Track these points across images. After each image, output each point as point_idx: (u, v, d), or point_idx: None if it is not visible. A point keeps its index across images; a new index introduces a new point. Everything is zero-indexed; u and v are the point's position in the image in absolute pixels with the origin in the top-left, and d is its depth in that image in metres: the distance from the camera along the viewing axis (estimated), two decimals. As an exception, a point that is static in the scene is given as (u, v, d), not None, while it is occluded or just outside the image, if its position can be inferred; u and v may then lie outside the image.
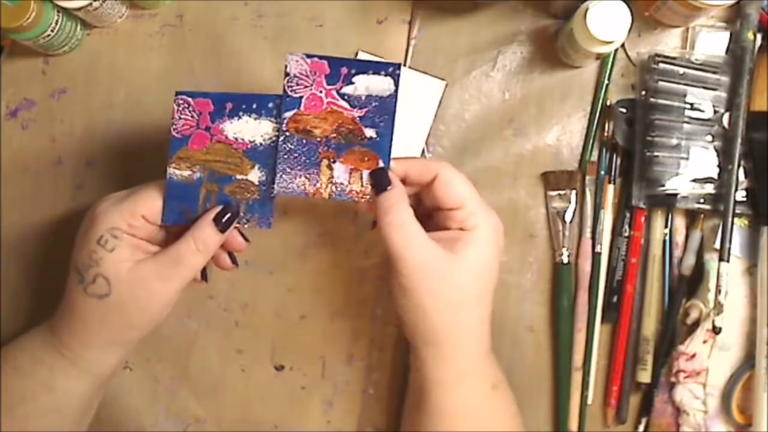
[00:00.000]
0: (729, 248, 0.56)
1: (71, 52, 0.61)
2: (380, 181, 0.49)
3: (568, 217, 0.60)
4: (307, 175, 0.50)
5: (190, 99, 0.50)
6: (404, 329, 0.50)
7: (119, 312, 0.49)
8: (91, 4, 0.56)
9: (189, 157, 0.50)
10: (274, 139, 0.50)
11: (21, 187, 0.62)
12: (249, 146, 0.50)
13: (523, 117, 0.61)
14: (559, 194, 0.60)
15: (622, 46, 0.60)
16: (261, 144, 0.50)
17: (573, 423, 0.60)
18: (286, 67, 0.49)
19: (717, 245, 0.57)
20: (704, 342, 0.58)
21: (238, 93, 0.50)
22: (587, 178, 0.61)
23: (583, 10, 0.55)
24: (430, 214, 0.52)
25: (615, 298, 0.60)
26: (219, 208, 0.50)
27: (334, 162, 0.50)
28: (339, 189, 0.50)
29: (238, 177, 0.51)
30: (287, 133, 0.50)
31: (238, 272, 0.61)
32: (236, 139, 0.50)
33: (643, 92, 0.58)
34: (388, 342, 0.61)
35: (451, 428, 0.50)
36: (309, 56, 0.49)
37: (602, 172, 0.60)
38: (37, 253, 0.62)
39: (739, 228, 0.59)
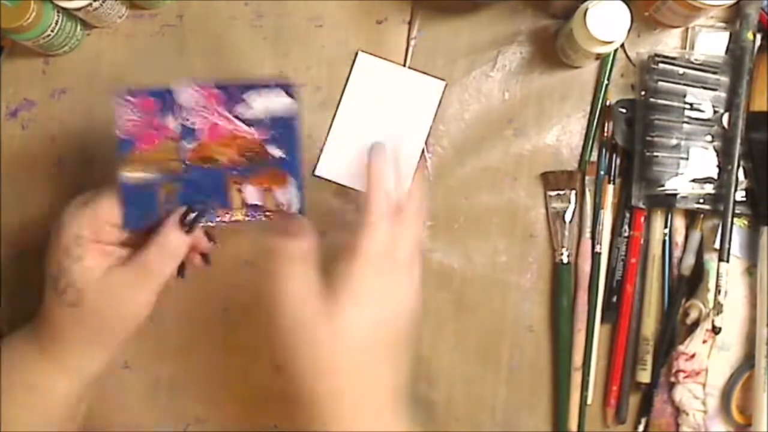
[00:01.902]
0: (729, 248, 0.56)
1: (71, 52, 0.61)
2: (287, 226, 0.47)
3: (567, 217, 0.60)
4: (218, 201, 0.49)
5: (132, 98, 0.47)
6: (291, 388, 0.46)
7: (93, 319, 0.48)
8: (91, 4, 0.56)
9: (139, 158, 0.48)
10: None
11: (21, 187, 0.62)
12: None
13: (523, 117, 0.61)
14: (559, 194, 0.60)
15: (622, 46, 0.60)
16: None
17: (573, 423, 0.60)
18: (176, 94, 0.48)
19: (717, 245, 0.57)
20: (704, 342, 0.58)
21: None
22: (587, 178, 0.61)
23: (582, 10, 0.55)
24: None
25: (615, 298, 0.60)
26: (182, 210, 0.48)
27: (242, 185, 0.49)
28: (254, 210, 0.49)
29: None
30: (188, 164, 0.48)
31: (238, 272, 0.61)
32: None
33: (643, 92, 0.58)
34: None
35: None
36: (199, 84, 0.48)
37: (602, 172, 0.60)
38: (37, 253, 0.61)
39: (738, 228, 0.59)
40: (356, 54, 0.61)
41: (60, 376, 0.50)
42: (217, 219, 0.49)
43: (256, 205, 0.49)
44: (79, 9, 0.56)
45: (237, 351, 0.62)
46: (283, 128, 0.49)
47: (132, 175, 0.48)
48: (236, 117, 0.48)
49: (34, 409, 0.50)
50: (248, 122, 0.49)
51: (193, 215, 0.47)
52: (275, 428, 0.61)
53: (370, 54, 0.61)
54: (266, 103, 0.48)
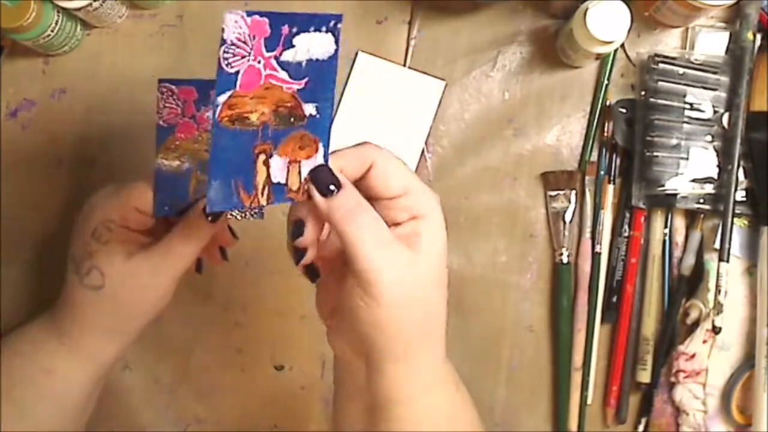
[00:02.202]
0: (729, 248, 0.56)
1: (71, 52, 0.61)
2: (323, 181, 0.40)
3: (567, 217, 0.60)
4: (242, 180, 0.39)
5: (174, 87, 0.47)
6: (355, 357, 0.44)
7: (114, 303, 0.49)
8: (91, 4, 0.56)
9: (177, 147, 0.48)
10: None
11: (21, 187, 0.62)
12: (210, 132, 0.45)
13: (523, 117, 0.61)
14: (559, 194, 0.60)
15: (622, 46, 0.60)
16: None
17: (573, 423, 0.60)
18: (223, 31, 0.36)
19: (717, 245, 0.57)
20: (704, 342, 0.58)
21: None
22: (587, 178, 0.61)
23: (582, 10, 0.55)
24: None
25: (615, 298, 0.60)
26: None
27: (271, 156, 0.39)
28: (278, 191, 0.40)
29: None
30: (221, 125, 0.37)
31: (238, 272, 0.61)
32: None
33: (643, 92, 0.58)
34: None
35: None
36: (249, 14, 0.36)
37: (602, 172, 0.60)
38: (37, 253, 0.62)
39: (738, 228, 0.59)
40: (356, 54, 0.61)
41: (77, 364, 0.51)
42: (236, 202, 0.39)
43: (279, 184, 0.40)
44: (79, 9, 0.56)
45: (237, 351, 0.62)
46: (320, 76, 0.40)
47: (167, 162, 0.48)
48: (276, 59, 0.38)
49: (50, 396, 0.51)
50: (285, 66, 0.39)
51: None
52: (275, 428, 0.61)
53: (370, 54, 0.61)
54: (309, 44, 0.39)
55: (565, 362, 0.60)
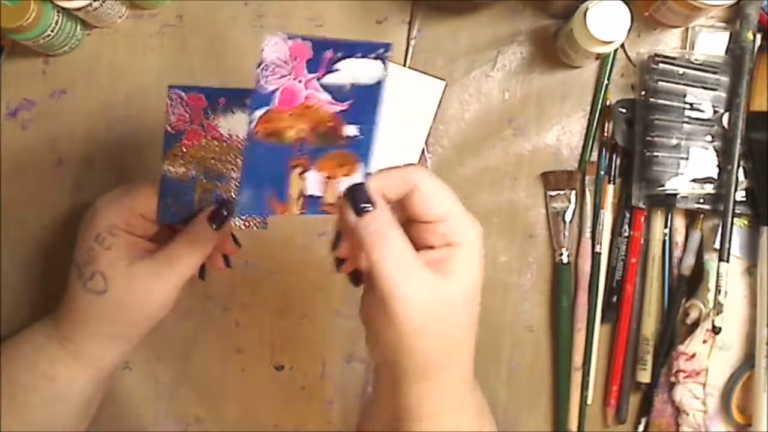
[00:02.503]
0: (729, 248, 0.56)
1: (71, 52, 0.61)
2: (358, 199, 0.41)
3: (567, 217, 0.60)
4: (275, 189, 0.41)
5: (183, 93, 0.47)
6: (384, 367, 0.45)
7: (117, 309, 0.49)
8: (91, 4, 0.56)
9: (183, 153, 0.49)
10: None
11: (21, 187, 0.62)
12: (244, 143, 0.48)
13: (523, 117, 0.61)
14: (559, 194, 0.60)
15: (622, 46, 0.60)
16: None
17: (573, 423, 0.60)
18: (262, 51, 0.38)
19: (717, 245, 0.57)
20: (704, 342, 0.58)
21: (230, 88, 0.48)
22: (587, 178, 0.61)
23: (583, 10, 0.55)
24: (406, 227, 0.43)
25: (615, 298, 0.60)
26: (214, 207, 0.49)
27: (307, 170, 0.41)
28: (311, 203, 0.42)
29: (234, 175, 0.50)
30: (256, 137, 0.39)
31: (238, 272, 0.61)
32: (231, 135, 0.49)
33: (643, 92, 0.59)
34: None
35: None
36: (290, 37, 0.38)
37: (602, 172, 0.60)
38: (37, 253, 0.62)
39: (738, 228, 0.59)
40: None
41: (79, 369, 0.51)
42: (267, 209, 0.41)
43: (313, 196, 0.42)
44: (79, 9, 0.56)
45: (237, 351, 0.62)
46: (365, 100, 0.41)
47: (173, 169, 0.49)
48: (318, 80, 0.40)
49: (53, 402, 0.52)
50: (328, 88, 0.40)
51: (223, 214, 0.48)
52: (275, 428, 0.61)
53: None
54: (354, 69, 0.40)
55: (565, 362, 0.60)
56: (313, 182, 0.42)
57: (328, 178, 0.42)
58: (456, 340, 0.43)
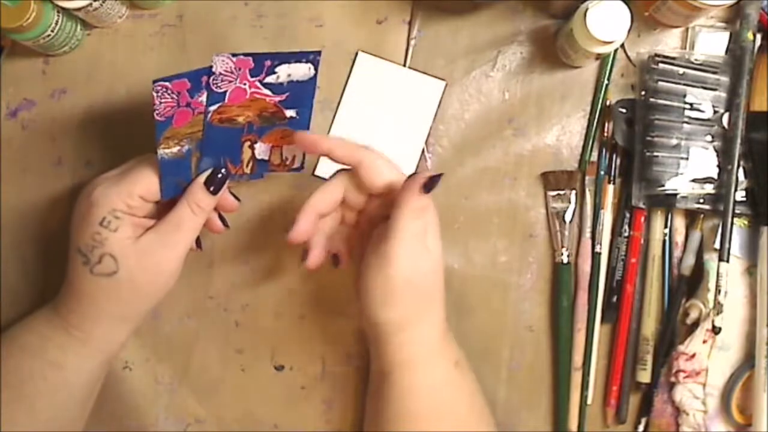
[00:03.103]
0: (729, 248, 0.56)
1: (71, 52, 0.61)
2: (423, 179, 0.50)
3: (567, 217, 0.60)
4: (230, 157, 0.53)
5: (167, 83, 0.49)
6: (371, 316, 0.50)
7: (129, 286, 0.50)
8: (91, 4, 0.56)
9: (175, 134, 0.51)
10: None
11: (21, 187, 0.62)
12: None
13: (523, 117, 0.61)
14: (559, 194, 0.60)
15: (622, 46, 0.60)
16: None
17: (573, 423, 0.60)
18: (211, 67, 0.49)
19: (717, 245, 0.57)
20: (704, 342, 0.58)
21: (209, 66, 0.50)
22: (587, 178, 0.61)
23: (582, 10, 0.55)
24: (365, 205, 0.53)
25: (615, 298, 0.60)
26: (209, 171, 0.52)
27: (255, 143, 0.53)
28: (261, 165, 0.54)
29: None
30: (211, 124, 0.51)
31: (238, 272, 0.61)
32: None
33: (643, 92, 0.59)
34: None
35: (415, 407, 0.51)
36: (234, 55, 0.50)
37: (602, 172, 0.60)
38: (37, 253, 0.62)
39: (738, 228, 0.59)
40: (356, 54, 0.61)
41: (87, 355, 0.52)
42: (229, 174, 0.52)
43: (263, 160, 0.54)
44: (79, 9, 0.56)
45: (237, 351, 0.62)
46: (300, 91, 0.52)
47: (168, 151, 0.51)
48: (260, 81, 0.51)
49: (61, 389, 0.52)
50: (268, 86, 0.51)
51: (219, 175, 0.51)
52: (275, 428, 0.61)
53: (370, 54, 0.61)
54: (289, 71, 0.51)
55: (565, 362, 0.60)
56: (261, 150, 0.54)
57: (273, 147, 0.54)
58: (429, 295, 0.51)
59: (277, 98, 0.52)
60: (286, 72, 0.51)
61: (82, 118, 0.62)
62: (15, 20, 0.54)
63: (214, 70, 0.50)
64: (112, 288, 0.50)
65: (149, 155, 0.51)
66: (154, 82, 0.49)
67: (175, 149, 0.51)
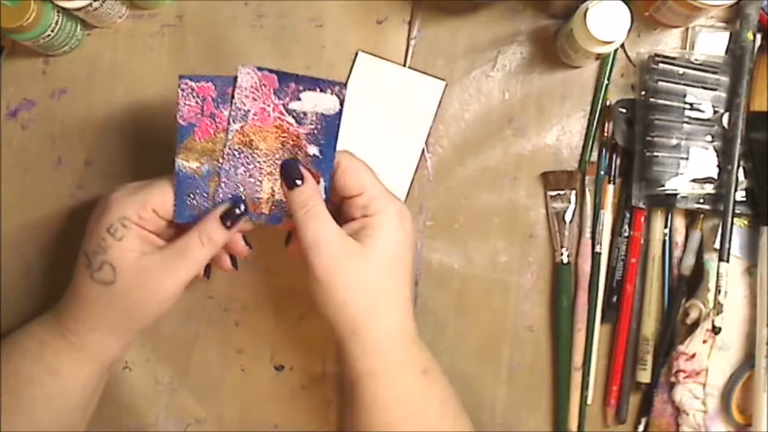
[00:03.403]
0: (729, 248, 0.56)
1: (71, 52, 0.61)
2: (291, 175, 0.50)
3: (567, 217, 0.60)
4: (249, 191, 0.50)
5: (193, 83, 0.48)
6: (327, 324, 0.50)
7: (122, 300, 0.50)
8: (91, 4, 0.56)
9: (195, 147, 0.49)
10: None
11: (21, 187, 0.62)
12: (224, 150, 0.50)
13: (523, 117, 0.61)
14: (559, 194, 0.60)
15: (622, 46, 0.60)
16: None
17: (573, 423, 0.60)
18: (236, 79, 0.48)
19: (717, 245, 0.57)
20: (704, 342, 0.58)
21: (234, 76, 0.49)
22: (587, 178, 0.61)
23: (582, 11, 0.55)
24: (339, 208, 0.53)
25: (615, 298, 0.60)
26: (228, 205, 0.50)
27: (275, 177, 0.50)
28: (279, 207, 0.51)
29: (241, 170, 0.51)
30: (232, 146, 0.49)
31: (238, 272, 0.61)
32: None
33: (643, 92, 0.59)
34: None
35: (384, 418, 0.50)
36: (260, 69, 0.48)
37: (602, 172, 0.60)
38: (37, 253, 0.62)
39: (738, 228, 0.59)
40: (356, 54, 0.61)
41: (83, 363, 0.52)
42: (247, 211, 0.50)
43: (281, 201, 0.51)
44: (79, 9, 0.56)
45: (237, 351, 0.62)
46: (325, 127, 0.50)
47: (186, 164, 0.49)
48: (284, 106, 0.49)
49: (58, 396, 0.52)
50: (292, 113, 0.49)
51: (236, 212, 0.50)
52: (275, 428, 0.61)
53: (370, 54, 0.61)
54: (315, 100, 0.49)
55: (565, 362, 0.60)
56: (280, 187, 0.51)
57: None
58: (377, 296, 0.49)
59: (302, 130, 0.50)
60: (312, 101, 0.49)
61: (82, 118, 0.62)
62: (15, 20, 0.54)
63: (239, 82, 0.48)
64: (107, 298, 0.49)
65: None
66: (181, 77, 0.48)
67: (194, 165, 0.49)
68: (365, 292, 0.49)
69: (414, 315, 0.52)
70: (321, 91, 0.49)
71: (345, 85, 0.49)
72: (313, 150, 0.50)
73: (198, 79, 0.48)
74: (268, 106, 0.49)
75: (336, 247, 0.48)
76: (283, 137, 0.50)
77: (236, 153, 0.50)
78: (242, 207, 0.50)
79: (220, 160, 0.50)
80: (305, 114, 0.49)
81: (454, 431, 0.52)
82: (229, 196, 0.50)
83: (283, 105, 0.49)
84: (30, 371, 0.51)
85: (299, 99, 0.49)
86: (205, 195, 0.50)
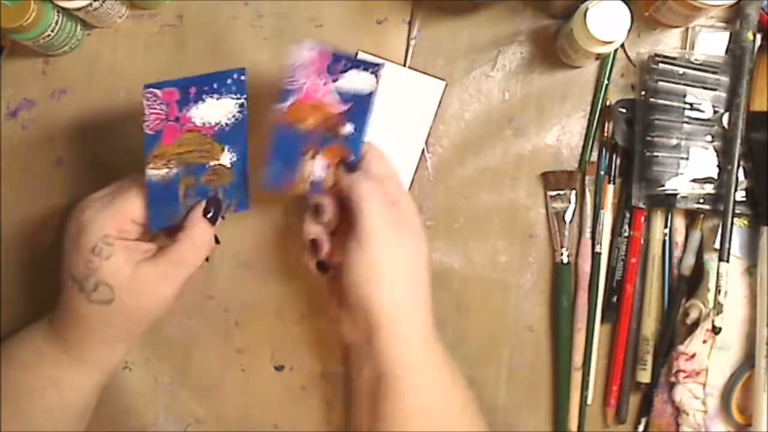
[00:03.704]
0: (729, 248, 0.56)
1: (71, 52, 0.61)
2: (353, 163, 0.53)
3: (567, 217, 0.60)
4: (289, 168, 0.51)
5: (157, 90, 0.48)
6: (361, 300, 0.50)
7: (122, 313, 0.50)
8: (91, 4, 0.56)
9: (163, 153, 0.49)
10: (238, 116, 0.51)
11: (21, 187, 0.62)
12: (216, 129, 0.51)
13: (523, 117, 0.61)
14: (559, 194, 0.60)
15: (622, 46, 0.60)
16: (227, 124, 0.51)
17: (573, 423, 0.60)
18: (200, 76, 0.49)
19: (717, 245, 0.57)
20: (704, 342, 0.58)
21: (198, 75, 0.49)
22: (587, 178, 0.61)
23: (583, 10, 0.55)
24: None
25: (615, 298, 0.60)
26: (204, 203, 0.51)
27: (314, 156, 0.52)
28: (315, 185, 0.52)
29: (211, 163, 0.51)
30: (284, 122, 0.50)
31: (238, 272, 0.61)
32: (204, 124, 0.50)
33: (643, 92, 0.59)
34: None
35: (412, 406, 0.50)
36: (314, 46, 0.50)
37: (602, 172, 0.60)
38: (37, 253, 0.62)
39: (738, 228, 0.59)
40: (356, 54, 0.61)
41: (85, 373, 0.52)
42: (281, 184, 0.51)
43: (316, 181, 0.52)
44: (79, 9, 0.56)
45: (237, 351, 0.62)
46: (360, 105, 0.52)
47: (156, 172, 0.49)
48: (332, 83, 0.51)
49: (58, 406, 0.52)
50: (339, 91, 0.51)
51: (213, 208, 0.51)
52: (275, 428, 0.61)
53: (370, 54, 0.61)
54: (356, 78, 0.51)
55: (565, 362, 0.60)
56: (319, 167, 0.52)
57: (329, 165, 0.52)
58: (416, 285, 0.51)
59: (343, 107, 0.51)
60: (353, 80, 0.51)
61: (82, 118, 0.62)
62: (15, 20, 0.54)
63: (297, 56, 0.50)
64: (108, 314, 0.49)
65: (138, 175, 0.50)
66: (145, 87, 0.48)
67: (163, 171, 0.49)
68: (406, 273, 0.50)
69: None
70: (363, 69, 0.51)
71: (383, 65, 0.52)
72: (348, 128, 0.52)
73: (161, 86, 0.48)
74: (321, 81, 0.50)
75: (382, 218, 0.50)
76: (325, 115, 0.51)
77: (282, 129, 0.51)
78: (218, 197, 0.51)
79: (189, 160, 0.50)
80: (347, 92, 0.51)
81: (473, 423, 0.53)
82: (274, 180, 0.52)
83: (332, 81, 0.51)
84: (29, 382, 0.51)
85: (344, 77, 0.51)
86: (176, 199, 0.50)
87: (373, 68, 0.51)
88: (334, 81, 0.51)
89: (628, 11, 0.54)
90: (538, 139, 0.61)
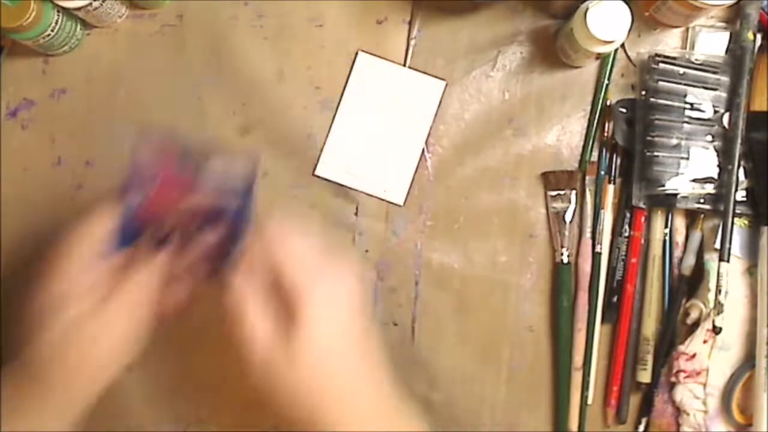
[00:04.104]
0: (729, 248, 0.56)
1: (71, 52, 0.61)
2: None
3: (568, 217, 0.60)
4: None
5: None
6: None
7: (79, 362, 0.49)
8: (91, 4, 0.56)
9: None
10: None
11: (21, 187, 0.62)
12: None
13: (523, 117, 0.61)
14: (559, 194, 0.60)
15: (622, 46, 0.60)
16: None
17: (573, 423, 0.60)
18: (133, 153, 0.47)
19: (717, 245, 0.57)
20: (704, 342, 0.58)
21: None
22: (587, 178, 0.61)
23: (583, 10, 0.55)
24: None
25: (615, 298, 0.60)
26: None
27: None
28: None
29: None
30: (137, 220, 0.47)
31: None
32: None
33: (643, 92, 0.58)
34: (387, 341, 0.61)
35: None
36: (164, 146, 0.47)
37: (602, 172, 0.60)
38: (37, 254, 0.62)
39: (739, 228, 0.59)
40: (356, 54, 0.61)
41: (49, 419, 0.49)
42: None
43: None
44: (79, 9, 0.56)
45: (237, 351, 0.61)
46: (239, 199, 0.47)
47: None
48: (190, 180, 0.47)
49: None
50: (201, 186, 0.47)
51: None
52: (275, 428, 0.61)
53: (370, 54, 0.61)
54: (226, 169, 0.47)
55: (565, 362, 0.60)
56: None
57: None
58: (332, 377, 0.45)
59: (214, 201, 0.48)
60: (221, 169, 0.47)
61: (82, 118, 0.62)
62: (15, 20, 0.54)
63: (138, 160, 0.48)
64: (59, 359, 0.48)
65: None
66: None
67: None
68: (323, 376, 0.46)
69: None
70: (231, 159, 0.47)
71: (256, 156, 0.48)
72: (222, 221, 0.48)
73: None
74: (172, 180, 0.47)
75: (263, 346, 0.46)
76: (192, 210, 0.48)
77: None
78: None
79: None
80: (216, 186, 0.47)
81: None
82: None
83: (190, 179, 0.47)
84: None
85: (209, 171, 0.47)
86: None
87: (245, 158, 0.47)
88: (191, 178, 0.47)
89: (629, 11, 0.54)
90: (538, 139, 0.61)
